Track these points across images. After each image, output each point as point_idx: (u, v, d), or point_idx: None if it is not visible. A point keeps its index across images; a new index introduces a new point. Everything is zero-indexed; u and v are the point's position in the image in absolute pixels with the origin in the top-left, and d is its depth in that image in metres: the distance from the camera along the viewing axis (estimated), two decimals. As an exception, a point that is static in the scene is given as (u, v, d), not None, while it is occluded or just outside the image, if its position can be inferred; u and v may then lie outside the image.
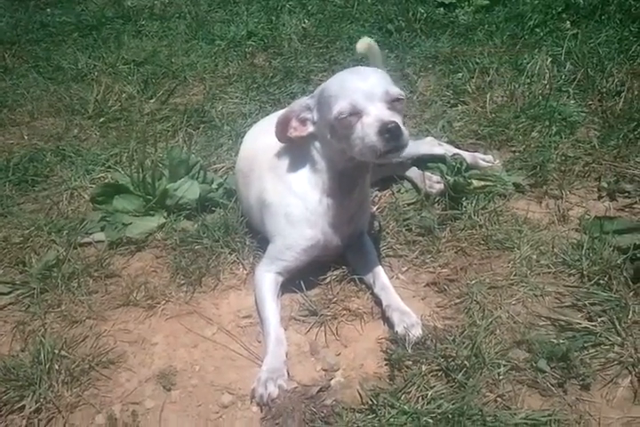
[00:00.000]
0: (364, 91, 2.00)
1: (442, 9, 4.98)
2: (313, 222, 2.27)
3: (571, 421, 1.83)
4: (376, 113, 1.98)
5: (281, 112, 2.61)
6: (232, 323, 2.30)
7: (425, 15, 4.78)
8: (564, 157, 2.99)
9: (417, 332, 2.07)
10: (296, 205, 2.26)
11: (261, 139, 2.48)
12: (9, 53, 4.81)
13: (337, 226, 2.30)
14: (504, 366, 1.97)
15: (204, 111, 3.68)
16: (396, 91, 2.03)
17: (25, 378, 2.04)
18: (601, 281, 2.26)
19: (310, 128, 2.20)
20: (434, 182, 2.77)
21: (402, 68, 4.03)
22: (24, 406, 1.98)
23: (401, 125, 1.97)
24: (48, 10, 5.92)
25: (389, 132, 1.94)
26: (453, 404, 1.85)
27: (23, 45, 5.03)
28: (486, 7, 4.92)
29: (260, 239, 2.53)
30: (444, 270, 2.41)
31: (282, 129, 2.23)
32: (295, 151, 2.29)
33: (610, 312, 2.11)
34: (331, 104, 2.04)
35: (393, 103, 2.02)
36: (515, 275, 2.34)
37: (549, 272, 2.35)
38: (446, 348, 2.02)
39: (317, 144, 2.21)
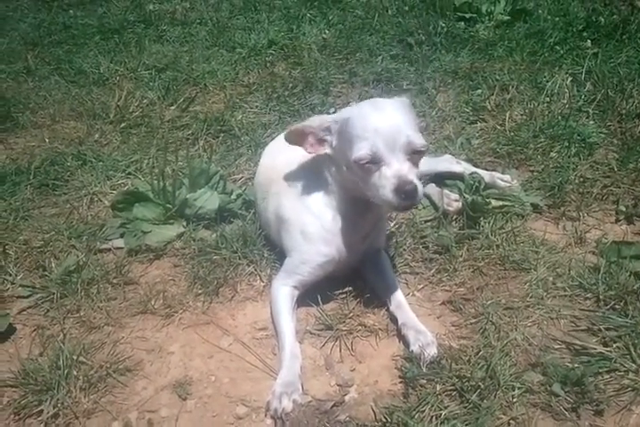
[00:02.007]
0: (387, 138, 1.96)
1: (462, 23, 4.97)
2: (329, 240, 2.28)
3: (583, 446, 1.85)
4: (396, 167, 1.97)
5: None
6: (248, 334, 2.32)
7: (445, 29, 4.79)
8: (582, 179, 3.00)
9: (432, 351, 2.08)
10: (312, 223, 2.28)
11: (281, 154, 2.50)
12: (31, 55, 4.84)
13: (352, 244, 2.31)
14: (518, 388, 1.98)
15: (224, 120, 3.70)
16: (419, 143, 1.99)
17: (43, 383, 2.07)
18: (617, 306, 2.27)
19: (327, 150, 2.18)
20: (452, 200, 2.78)
21: (421, 82, 4.05)
22: (42, 411, 2.01)
23: (418, 184, 1.96)
24: (71, 11, 5.95)
25: (405, 194, 1.95)
26: (467, 425, 1.87)
27: (45, 47, 5.06)
28: (507, 23, 4.92)
29: (277, 252, 2.55)
30: (460, 289, 2.43)
31: (296, 138, 2.21)
32: (311, 170, 2.31)
33: (625, 338, 2.12)
34: (352, 142, 2.02)
35: (413, 155, 2.00)
36: (531, 297, 2.36)
37: (565, 295, 2.36)
38: (461, 368, 2.04)
39: (332, 168, 2.21)
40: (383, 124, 1.99)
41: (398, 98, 2.19)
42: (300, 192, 2.32)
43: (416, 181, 1.96)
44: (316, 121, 2.19)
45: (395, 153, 1.97)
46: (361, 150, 1.98)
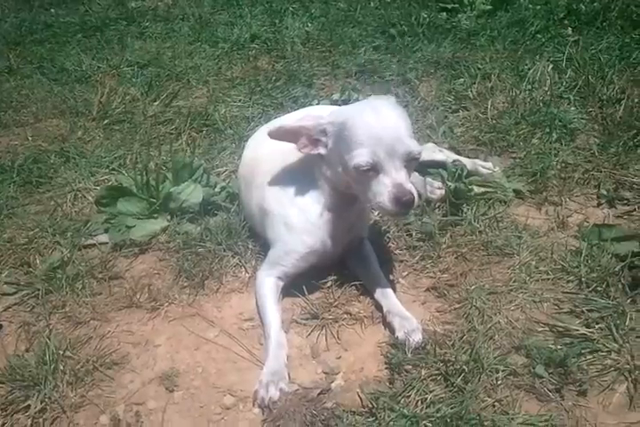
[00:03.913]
0: (388, 146, 1.95)
1: (444, 14, 5.00)
2: (313, 232, 2.28)
3: (567, 426, 1.86)
4: (394, 176, 1.97)
5: (284, 117, 2.62)
6: (234, 325, 2.32)
7: (427, 20, 4.82)
8: (563, 164, 3.02)
9: (417, 337, 2.09)
10: (296, 215, 2.28)
11: (264, 146, 2.48)
12: (13, 54, 4.82)
13: (337, 236, 2.31)
14: (502, 371, 1.99)
15: (208, 114, 3.69)
16: (416, 150, 1.99)
17: (30, 378, 2.06)
18: (599, 288, 2.28)
19: (322, 151, 2.14)
20: (435, 188, 2.79)
21: (404, 72, 4.06)
22: (29, 406, 2.00)
23: (415, 195, 1.97)
24: (52, 10, 5.93)
25: (403, 204, 1.96)
26: (452, 408, 1.87)
27: (27, 46, 5.04)
28: (489, 12, 4.95)
29: (262, 243, 2.55)
30: (444, 276, 2.44)
31: (287, 136, 2.19)
32: (298, 166, 2.29)
33: (607, 319, 2.14)
34: (351, 147, 2.00)
35: (410, 162, 2.01)
36: (514, 281, 2.37)
37: (548, 279, 2.38)
38: (445, 353, 2.05)
39: (323, 167, 2.19)
40: (385, 132, 1.97)
41: (387, 98, 2.20)
42: (286, 186, 2.31)
43: (413, 191, 1.98)
44: (310, 121, 2.15)
45: (393, 161, 1.97)
46: (362, 157, 1.96)
